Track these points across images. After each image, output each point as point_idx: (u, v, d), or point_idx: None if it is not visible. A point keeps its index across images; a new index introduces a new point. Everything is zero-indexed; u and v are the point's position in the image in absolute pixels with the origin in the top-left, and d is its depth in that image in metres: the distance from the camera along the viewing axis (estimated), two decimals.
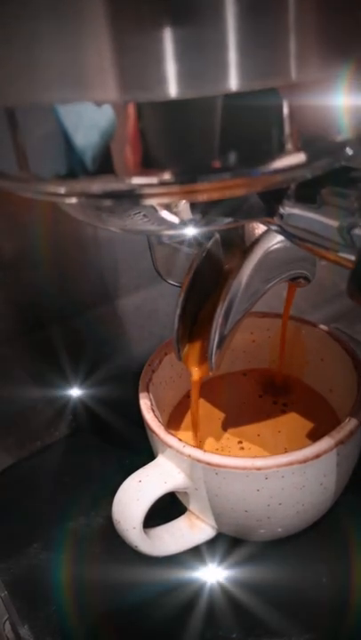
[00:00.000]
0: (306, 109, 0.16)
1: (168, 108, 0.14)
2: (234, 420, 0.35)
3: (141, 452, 0.30)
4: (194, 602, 0.29)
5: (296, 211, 0.21)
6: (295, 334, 0.35)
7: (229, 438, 0.33)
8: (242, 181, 0.17)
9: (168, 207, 0.20)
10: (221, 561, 0.30)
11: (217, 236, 0.28)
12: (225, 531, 0.30)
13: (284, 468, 0.25)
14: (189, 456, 0.26)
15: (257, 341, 0.37)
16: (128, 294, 0.44)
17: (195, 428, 0.31)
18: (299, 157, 0.16)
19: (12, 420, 0.39)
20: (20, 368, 0.40)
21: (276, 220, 0.21)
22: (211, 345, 0.27)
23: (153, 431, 0.28)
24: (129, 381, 0.32)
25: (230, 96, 0.14)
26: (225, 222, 0.22)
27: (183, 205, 0.20)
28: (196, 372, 0.29)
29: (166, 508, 0.29)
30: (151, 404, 0.30)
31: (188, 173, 0.16)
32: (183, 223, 0.21)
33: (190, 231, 0.21)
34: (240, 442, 0.33)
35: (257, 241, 0.26)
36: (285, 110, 0.15)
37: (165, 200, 0.19)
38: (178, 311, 0.28)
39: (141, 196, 0.17)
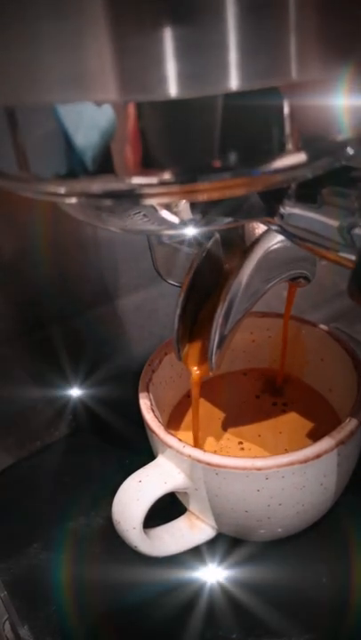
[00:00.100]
0: (306, 109, 0.15)
1: (168, 107, 0.14)
2: (234, 419, 0.35)
3: (141, 451, 0.30)
4: (194, 602, 0.29)
5: (296, 210, 0.21)
6: (295, 334, 0.35)
7: (229, 438, 0.33)
8: (242, 181, 0.16)
9: (168, 207, 0.20)
10: (221, 561, 0.30)
11: (217, 235, 0.28)
12: (225, 531, 0.30)
13: (284, 469, 0.25)
14: (189, 456, 0.26)
15: (257, 341, 0.37)
16: (128, 294, 0.44)
17: (195, 428, 0.31)
18: (299, 157, 0.16)
19: (12, 420, 0.39)
20: (20, 368, 0.40)
21: (276, 219, 0.21)
22: (211, 345, 0.27)
23: (153, 431, 0.28)
24: (129, 381, 0.32)
25: (230, 96, 0.14)
26: (225, 222, 0.22)
27: (183, 205, 0.20)
28: (196, 372, 0.29)
29: (166, 508, 0.29)
30: (151, 404, 0.30)
31: (189, 173, 0.16)
32: (183, 223, 0.21)
33: (190, 231, 0.21)
34: (240, 442, 0.33)
35: (257, 241, 0.26)
36: (286, 110, 0.15)
37: (165, 200, 0.19)
38: (178, 311, 0.28)
39: (141, 196, 0.17)
